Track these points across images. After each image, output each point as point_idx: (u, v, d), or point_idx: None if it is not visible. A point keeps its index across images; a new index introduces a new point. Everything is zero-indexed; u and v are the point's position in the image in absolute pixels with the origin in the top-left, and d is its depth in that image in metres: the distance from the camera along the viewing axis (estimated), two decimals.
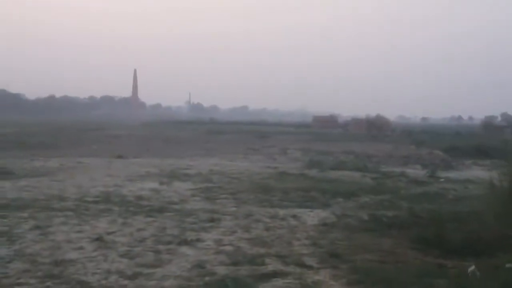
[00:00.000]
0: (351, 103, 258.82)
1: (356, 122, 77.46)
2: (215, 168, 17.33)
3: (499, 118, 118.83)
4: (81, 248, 6.79)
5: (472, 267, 5.80)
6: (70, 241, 7.11)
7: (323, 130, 68.11)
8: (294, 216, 9.37)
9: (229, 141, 36.84)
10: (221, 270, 5.92)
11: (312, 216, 9.43)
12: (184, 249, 6.88)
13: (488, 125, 73.45)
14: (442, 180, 15.93)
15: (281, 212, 9.78)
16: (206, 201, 10.87)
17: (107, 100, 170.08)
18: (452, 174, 18.14)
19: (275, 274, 5.82)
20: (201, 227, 8.27)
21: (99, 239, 7.25)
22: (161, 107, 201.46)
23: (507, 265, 5.79)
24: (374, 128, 69.05)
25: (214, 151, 27.09)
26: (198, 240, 7.37)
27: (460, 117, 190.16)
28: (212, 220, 8.80)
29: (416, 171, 18.73)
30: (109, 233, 7.63)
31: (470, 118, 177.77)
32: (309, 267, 6.14)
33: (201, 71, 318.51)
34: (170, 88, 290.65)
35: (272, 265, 6.18)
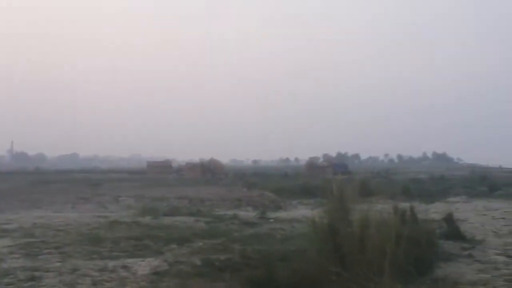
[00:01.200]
0: (186, 148, 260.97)
1: (191, 166, 78.44)
2: (39, 221, 16.01)
3: (321, 159, 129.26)
4: None
5: None
6: None
7: (158, 175, 67.69)
8: (124, 267, 8.97)
9: (57, 191, 34.61)
10: None
11: (144, 266, 9.11)
12: None
13: (312, 166, 79.35)
14: (271, 220, 16.63)
15: (111, 263, 9.30)
16: (26, 258, 9.92)
17: None
18: (280, 214, 19.08)
19: None
20: (18, 287, 7.50)
21: None
22: None
23: None
24: (208, 172, 70.61)
25: (40, 203, 25.25)
26: None
27: (287, 159, 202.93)
28: (32, 278, 8.04)
29: (247, 213, 19.34)
30: None
31: (296, 159, 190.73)
32: None
33: (25, 117, 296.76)
34: None
35: None
